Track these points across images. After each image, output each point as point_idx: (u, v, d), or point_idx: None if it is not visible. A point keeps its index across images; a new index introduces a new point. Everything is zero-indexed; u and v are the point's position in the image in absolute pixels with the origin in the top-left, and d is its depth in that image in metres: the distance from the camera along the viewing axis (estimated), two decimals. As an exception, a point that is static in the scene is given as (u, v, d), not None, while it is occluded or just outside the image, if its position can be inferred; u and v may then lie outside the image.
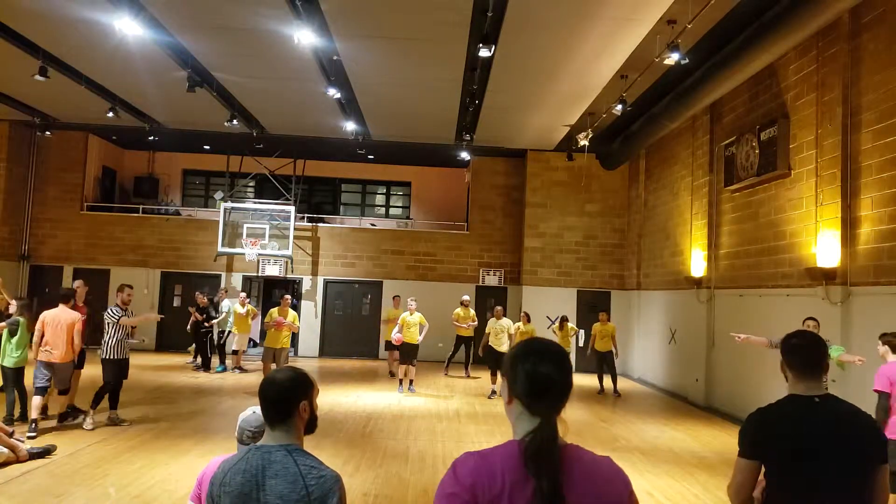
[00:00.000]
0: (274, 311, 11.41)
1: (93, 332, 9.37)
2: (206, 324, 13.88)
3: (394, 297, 14.95)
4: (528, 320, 12.96)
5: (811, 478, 2.46)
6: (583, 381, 14.71)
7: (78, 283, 9.69)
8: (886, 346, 5.35)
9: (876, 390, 5.13)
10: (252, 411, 2.87)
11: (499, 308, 12.75)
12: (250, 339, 15.87)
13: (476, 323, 14.15)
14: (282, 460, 2.05)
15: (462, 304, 14.21)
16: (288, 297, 11.90)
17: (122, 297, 8.49)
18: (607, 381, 13.27)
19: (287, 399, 2.15)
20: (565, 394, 1.72)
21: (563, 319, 13.69)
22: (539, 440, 1.63)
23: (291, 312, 11.48)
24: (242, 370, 14.12)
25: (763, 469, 2.57)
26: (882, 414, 5.05)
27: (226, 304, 14.55)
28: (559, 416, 1.70)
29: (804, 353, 2.63)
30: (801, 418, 2.52)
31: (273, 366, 10.93)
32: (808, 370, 2.60)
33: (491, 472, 1.63)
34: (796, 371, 2.62)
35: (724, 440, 9.17)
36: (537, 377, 1.70)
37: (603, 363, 13.27)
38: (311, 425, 2.22)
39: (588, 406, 11.73)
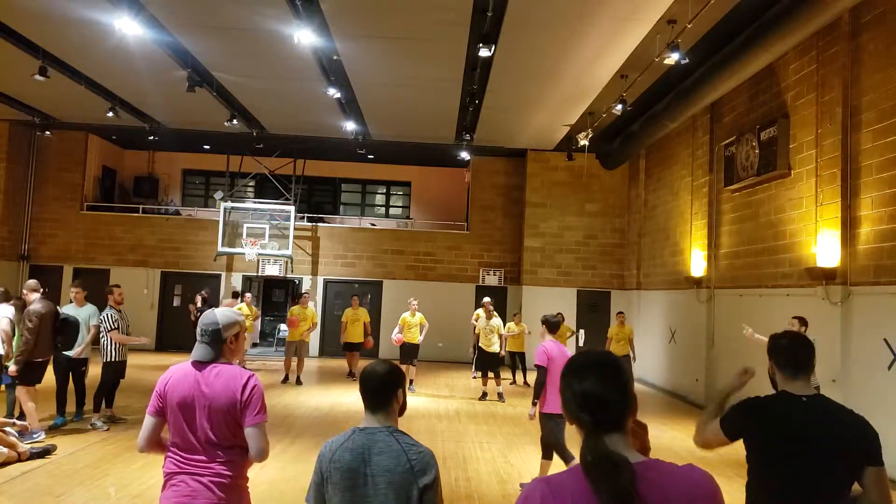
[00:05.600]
0: (294, 308, 12.92)
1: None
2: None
3: (352, 297, 14.35)
4: (520, 320, 13.22)
5: (797, 470, 2.46)
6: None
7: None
8: (544, 327, 6.36)
9: (536, 365, 6.04)
10: (212, 310, 2.99)
11: (490, 307, 12.37)
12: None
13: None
14: (385, 439, 2.37)
15: (484, 307, 14.05)
16: (307, 294, 13.16)
17: (114, 298, 8.52)
18: None
19: (387, 389, 2.47)
20: (613, 407, 1.60)
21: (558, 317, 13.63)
22: (589, 452, 1.54)
23: (310, 309, 12.97)
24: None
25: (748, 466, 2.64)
26: (538, 387, 5.97)
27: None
28: (623, 431, 1.59)
29: (791, 353, 2.66)
30: (791, 413, 2.54)
31: (294, 359, 12.61)
32: (796, 370, 2.63)
33: (560, 497, 1.55)
34: (784, 372, 2.65)
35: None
36: (576, 394, 1.63)
37: None
38: (402, 409, 2.54)
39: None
